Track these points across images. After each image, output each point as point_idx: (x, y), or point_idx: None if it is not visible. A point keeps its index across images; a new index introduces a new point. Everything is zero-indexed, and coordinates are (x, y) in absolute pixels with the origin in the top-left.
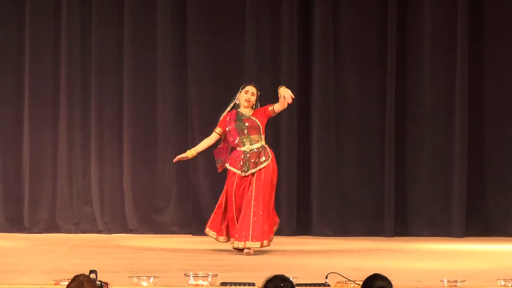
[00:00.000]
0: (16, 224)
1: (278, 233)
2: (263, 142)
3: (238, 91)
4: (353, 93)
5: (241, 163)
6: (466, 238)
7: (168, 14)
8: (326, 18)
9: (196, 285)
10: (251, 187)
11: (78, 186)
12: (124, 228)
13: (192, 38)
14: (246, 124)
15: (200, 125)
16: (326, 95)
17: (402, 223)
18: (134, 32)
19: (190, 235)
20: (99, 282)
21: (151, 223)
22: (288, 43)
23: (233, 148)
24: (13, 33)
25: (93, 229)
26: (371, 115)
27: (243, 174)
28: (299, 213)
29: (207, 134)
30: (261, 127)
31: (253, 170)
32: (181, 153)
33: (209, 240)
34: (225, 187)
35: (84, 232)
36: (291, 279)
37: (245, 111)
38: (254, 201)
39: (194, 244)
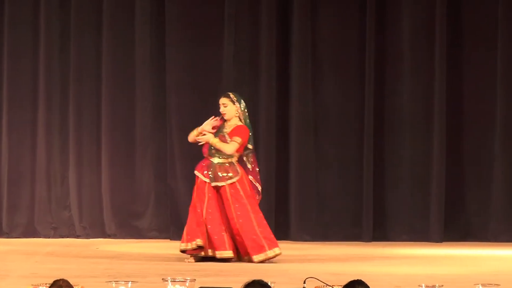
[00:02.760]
0: None
1: None
2: (234, 159)
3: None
4: (331, 99)
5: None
6: (444, 243)
7: (147, 20)
8: (304, 25)
9: None
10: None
11: (57, 191)
12: (103, 233)
13: (170, 44)
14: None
15: (178, 131)
16: (305, 101)
17: (380, 228)
18: (113, 38)
19: (169, 240)
20: None
21: (129, 228)
22: (266, 50)
23: None
24: None
25: (72, 234)
26: (350, 121)
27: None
28: (277, 218)
29: (185, 138)
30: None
31: (218, 184)
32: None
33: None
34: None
35: (62, 237)
36: (269, 284)
37: (227, 125)
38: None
39: (172, 249)
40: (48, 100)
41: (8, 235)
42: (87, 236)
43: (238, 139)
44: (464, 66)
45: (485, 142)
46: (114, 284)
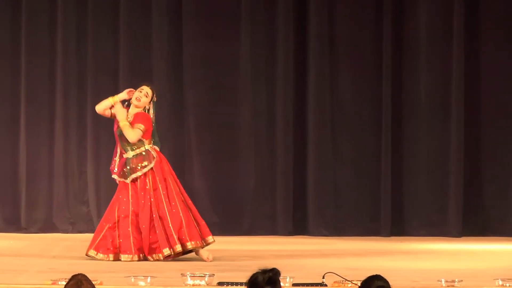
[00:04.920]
0: (13, 224)
1: (275, 233)
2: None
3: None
4: (348, 94)
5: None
6: (463, 237)
7: (164, 16)
8: (321, 20)
9: (193, 285)
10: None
11: (74, 186)
12: None
13: (187, 40)
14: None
15: (195, 127)
16: (322, 96)
17: (398, 223)
18: (130, 34)
19: None
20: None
21: None
22: (283, 45)
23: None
24: (9, 34)
25: (90, 229)
26: (367, 115)
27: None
28: (295, 213)
29: (203, 135)
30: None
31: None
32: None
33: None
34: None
35: (80, 232)
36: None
37: (129, 113)
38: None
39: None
40: (65, 96)
41: (26, 230)
42: None
43: (141, 126)
44: (482, 59)
45: (503, 135)
46: (133, 279)
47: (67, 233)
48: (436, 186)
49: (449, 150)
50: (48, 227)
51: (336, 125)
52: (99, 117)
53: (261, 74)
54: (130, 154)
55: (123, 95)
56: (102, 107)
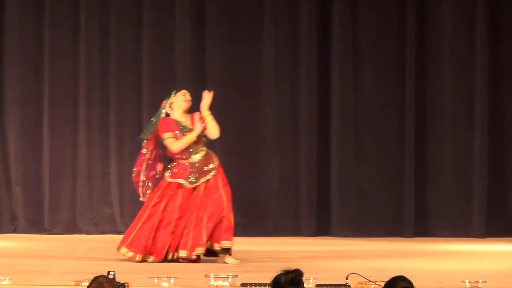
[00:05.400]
0: (36, 226)
1: (298, 234)
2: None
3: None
4: (372, 94)
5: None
6: (486, 238)
7: (187, 16)
8: (345, 20)
9: (216, 286)
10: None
11: (98, 187)
12: None
13: (210, 41)
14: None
15: (219, 127)
16: (345, 97)
17: (421, 224)
18: (153, 34)
19: None
20: (117, 283)
21: None
22: (306, 45)
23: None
24: (32, 34)
25: (113, 230)
26: (391, 116)
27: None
28: (318, 214)
29: (226, 135)
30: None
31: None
32: None
33: None
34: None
35: (104, 233)
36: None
37: (183, 118)
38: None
39: None
40: (88, 97)
41: (50, 231)
42: None
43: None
44: (506, 61)
45: None
46: (156, 280)
47: (91, 234)
48: (460, 187)
49: (473, 150)
50: (72, 228)
51: (359, 125)
52: (122, 118)
53: (285, 75)
54: (198, 156)
55: (198, 128)
56: (183, 146)
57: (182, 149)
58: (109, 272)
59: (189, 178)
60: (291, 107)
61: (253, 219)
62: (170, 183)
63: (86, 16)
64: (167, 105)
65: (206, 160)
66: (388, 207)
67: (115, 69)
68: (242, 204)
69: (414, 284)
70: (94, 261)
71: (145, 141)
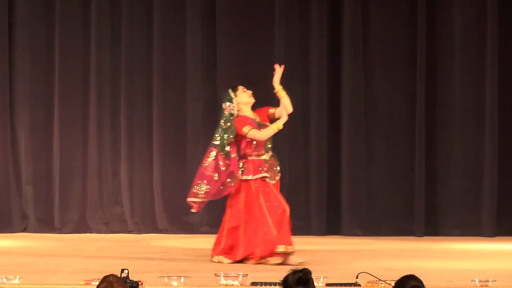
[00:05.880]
0: (46, 225)
1: (308, 233)
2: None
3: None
4: (382, 94)
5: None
6: (497, 238)
7: (197, 15)
8: (355, 18)
9: (226, 285)
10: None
11: (108, 187)
12: (154, 228)
13: (221, 39)
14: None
15: None
16: (356, 96)
17: (432, 223)
18: (163, 34)
19: None
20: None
21: (181, 223)
22: (317, 44)
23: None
24: (43, 35)
25: (123, 229)
26: (401, 115)
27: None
28: (329, 213)
29: None
30: None
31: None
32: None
33: None
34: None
35: (114, 233)
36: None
37: (252, 115)
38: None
39: None
40: (99, 97)
41: (60, 230)
42: (139, 231)
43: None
44: None
45: None
46: (166, 279)
47: (101, 233)
48: (470, 187)
49: (483, 150)
50: (82, 227)
51: (370, 124)
52: (132, 118)
53: (295, 74)
54: (269, 153)
55: (285, 116)
56: (271, 133)
57: (270, 136)
58: (122, 270)
59: (268, 173)
60: (301, 106)
61: None
62: (243, 182)
63: (96, 16)
64: (234, 106)
65: (274, 159)
66: (399, 207)
67: (125, 69)
68: None
69: (424, 283)
70: (104, 260)
71: (228, 147)
